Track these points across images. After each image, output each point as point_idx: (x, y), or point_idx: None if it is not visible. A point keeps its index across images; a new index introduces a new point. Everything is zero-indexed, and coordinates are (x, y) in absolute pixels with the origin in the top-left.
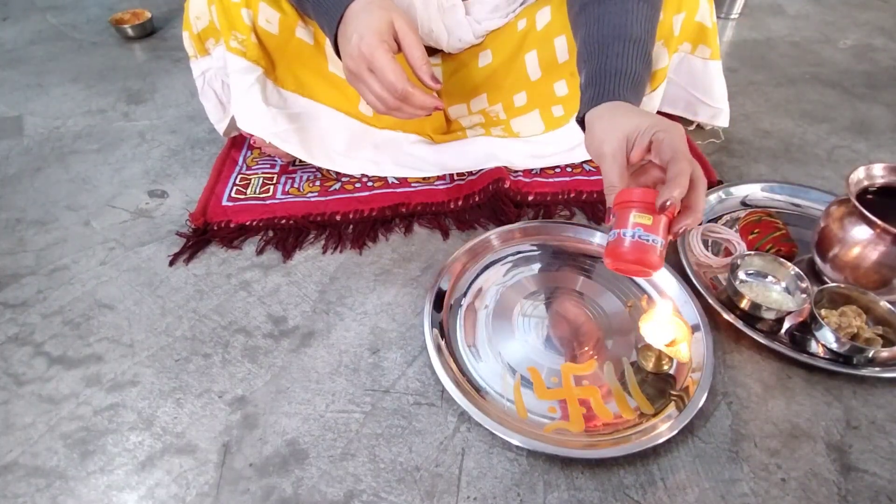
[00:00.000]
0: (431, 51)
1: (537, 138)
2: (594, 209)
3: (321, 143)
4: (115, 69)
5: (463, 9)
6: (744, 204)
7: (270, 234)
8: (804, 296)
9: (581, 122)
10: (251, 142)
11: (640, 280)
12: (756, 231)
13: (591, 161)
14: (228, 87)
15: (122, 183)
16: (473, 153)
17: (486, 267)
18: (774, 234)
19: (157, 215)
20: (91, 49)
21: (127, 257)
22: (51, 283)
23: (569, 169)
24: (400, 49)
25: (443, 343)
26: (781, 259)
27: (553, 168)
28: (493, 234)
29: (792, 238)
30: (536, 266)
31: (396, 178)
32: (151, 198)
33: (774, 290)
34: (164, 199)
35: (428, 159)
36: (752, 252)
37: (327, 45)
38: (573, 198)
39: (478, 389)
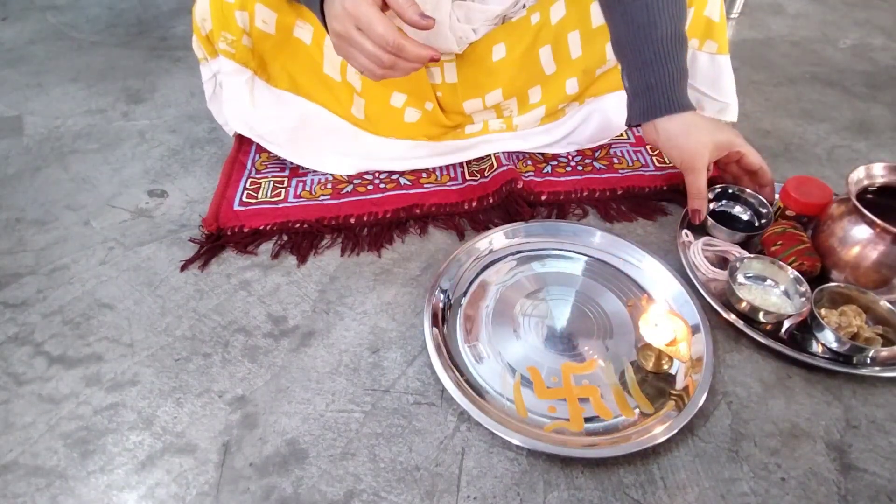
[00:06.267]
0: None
1: (529, 130)
2: (606, 207)
3: (309, 144)
4: (115, 69)
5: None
6: None
7: (285, 238)
8: (803, 299)
9: (638, 115)
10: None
11: (640, 280)
12: (779, 243)
13: (593, 157)
14: None
15: (122, 182)
16: (469, 147)
17: (486, 267)
18: (798, 246)
19: (156, 215)
20: (91, 49)
21: (127, 257)
22: (51, 283)
23: (580, 168)
24: (385, 6)
25: (443, 343)
26: (780, 262)
27: (564, 167)
28: (493, 234)
29: (816, 252)
30: (536, 266)
31: (409, 180)
32: (151, 197)
33: (773, 294)
34: (164, 198)
35: (423, 156)
36: (752, 255)
37: (325, 45)
38: (586, 196)
39: (478, 389)
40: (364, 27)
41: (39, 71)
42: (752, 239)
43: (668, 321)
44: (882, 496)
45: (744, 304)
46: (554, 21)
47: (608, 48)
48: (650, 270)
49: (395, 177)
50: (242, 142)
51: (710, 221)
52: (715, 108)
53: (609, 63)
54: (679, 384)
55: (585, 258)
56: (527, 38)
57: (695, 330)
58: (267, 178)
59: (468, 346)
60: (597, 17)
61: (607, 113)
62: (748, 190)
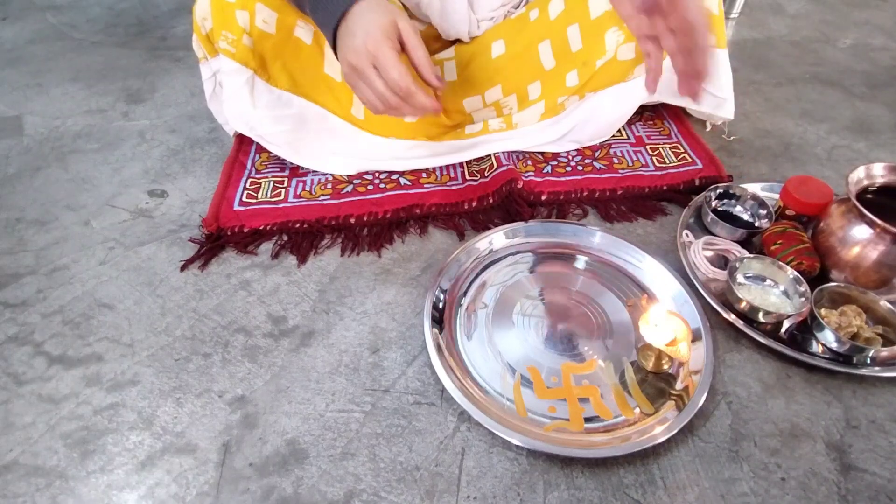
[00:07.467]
0: (444, 44)
1: (530, 128)
2: (606, 207)
3: (309, 145)
4: (115, 69)
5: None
6: None
7: (285, 238)
8: (802, 299)
9: None
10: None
11: (640, 280)
12: (779, 242)
13: (593, 157)
14: None
15: (122, 182)
16: (469, 147)
17: (486, 267)
18: (798, 246)
19: (156, 215)
20: (91, 49)
21: (127, 257)
22: (51, 283)
23: (580, 168)
24: (403, 50)
25: (443, 343)
26: (780, 262)
27: (564, 167)
28: (493, 234)
29: (815, 252)
30: (537, 266)
31: (409, 180)
32: (151, 197)
33: (773, 294)
34: (164, 198)
35: (423, 156)
36: (751, 255)
37: (326, 45)
38: (586, 196)
39: (478, 389)
40: (381, 68)
41: (39, 71)
42: (753, 237)
43: (668, 321)
44: (882, 496)
45: (743, 304)
46: (553, 16)
47: (608, 38)
48: (650, 270)
49: (395, 177)
50: (242, 142)
51: (711, 217)
52: (712, 102)
53: (609, 53)
54: (679, 384)
55: (585, 258)
56: (526, 34)
57: (695, 330)
58: (267, 178)
59: (468, 345)
60: (595, 7)
61: (606, 108)
62: (750, 191)
